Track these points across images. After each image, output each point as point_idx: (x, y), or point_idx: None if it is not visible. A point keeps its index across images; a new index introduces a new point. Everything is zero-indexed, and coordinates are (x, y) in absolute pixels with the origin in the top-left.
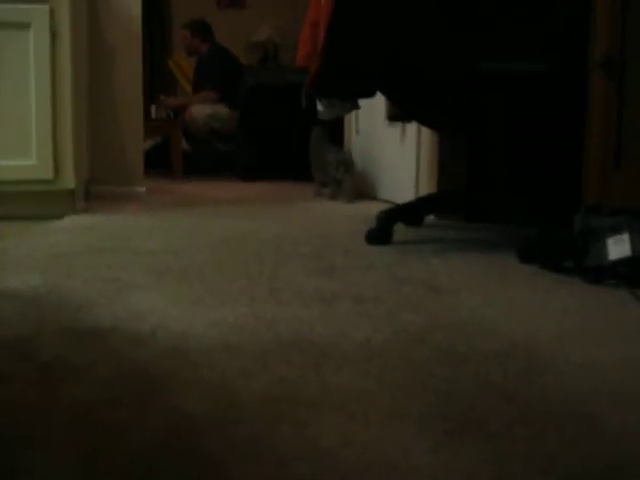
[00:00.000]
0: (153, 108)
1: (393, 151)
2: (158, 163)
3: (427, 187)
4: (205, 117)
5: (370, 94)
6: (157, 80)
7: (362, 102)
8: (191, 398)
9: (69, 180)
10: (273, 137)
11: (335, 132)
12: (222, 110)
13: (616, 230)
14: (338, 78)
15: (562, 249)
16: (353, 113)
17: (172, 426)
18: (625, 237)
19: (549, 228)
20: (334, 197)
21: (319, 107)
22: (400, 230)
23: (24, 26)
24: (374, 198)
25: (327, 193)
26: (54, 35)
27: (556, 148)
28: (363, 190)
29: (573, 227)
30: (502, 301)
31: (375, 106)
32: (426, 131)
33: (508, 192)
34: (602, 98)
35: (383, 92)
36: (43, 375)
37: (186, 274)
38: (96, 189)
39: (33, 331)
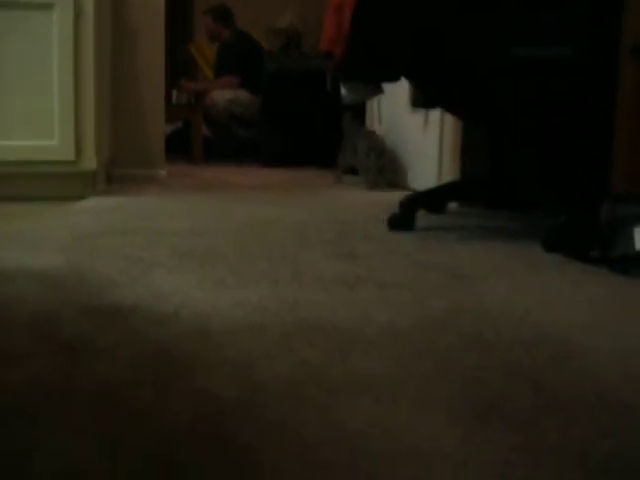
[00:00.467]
0: (174, 93)
1: (416, 138)
2: (178, 148)
3: (450, 174)
4: (225, 102)
5: (395, 78)
6: (179, 65)
7: (385, 90)
8: (215, 380)
9: (90, 161)
10: (295, 123)
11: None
12: (243, 95)
13: None
14: (363, 62)
15: (588, 238)
16: (376, 101)
17: (197, 409)
18: None
19: (575, 216)
20: (366, 184)
21: (343, 91)
22: (422, 217)
23: (48, 6)
24: (396, 185)
25: (350, 180)
26: (77, 16)
27: (583, 135)
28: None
29: (599, 216)
30: (529, 289)
31: (398, 94)
32: (449, 118)
33: (532, 179)
34: (631, 85)
35: (408, 77)
36: (65, 354)
37: (209, 256)
38: (117, 171)
39: (55, 310)
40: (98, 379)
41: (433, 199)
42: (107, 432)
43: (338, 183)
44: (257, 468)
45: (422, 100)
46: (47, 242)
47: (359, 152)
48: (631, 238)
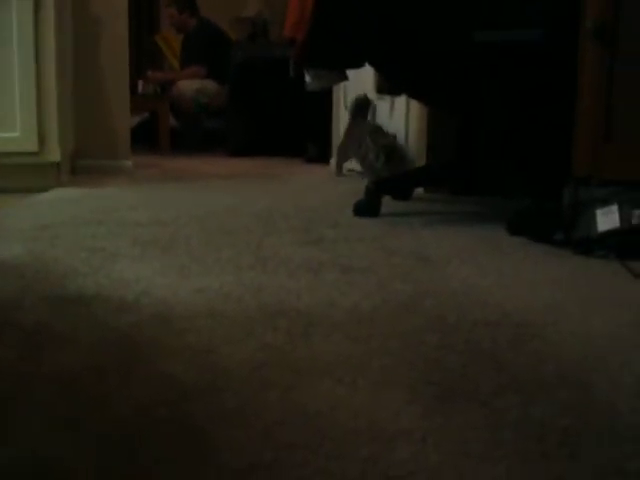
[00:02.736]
0: (140, 83)
1: (382, 124)
2: (145, 139)
3: (415, 160)
4: (192, 92)
5: (358, 65)
6: (145, 56)
7: (350, 75)
8: (176, 365)
9: (54, 152)
10: (263, 112)
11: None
12: (210, 85)
13: (605, 202)
14: (325, 48)
15: (551, 221)
16: (341, 87)
17: (157, 394)
18: (614, 209)
19: (539, 200)
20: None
21: (307, 78)
22: (387, 203)
23: None
24: (360, 171)
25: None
26: (37, 5)
27: (549, 120)
28: (350, 163)
29: (563, 199)
30: (492, 272)
31: (363, 79)
32: (415, 104)
33: (498, 164)
34: (593, 68)
35: (372, 63)
36: (27, 342)
37: (172, 245)
38: (82, 163)
39: (17, 299)
40: (61, 365)
41: (399, 185)
42: (67, 416)
43: (339, 176)
44: (219, 450)
45: (387, 86)
46: (9, 232)
47: (369, 150)
48: (593, 220)
